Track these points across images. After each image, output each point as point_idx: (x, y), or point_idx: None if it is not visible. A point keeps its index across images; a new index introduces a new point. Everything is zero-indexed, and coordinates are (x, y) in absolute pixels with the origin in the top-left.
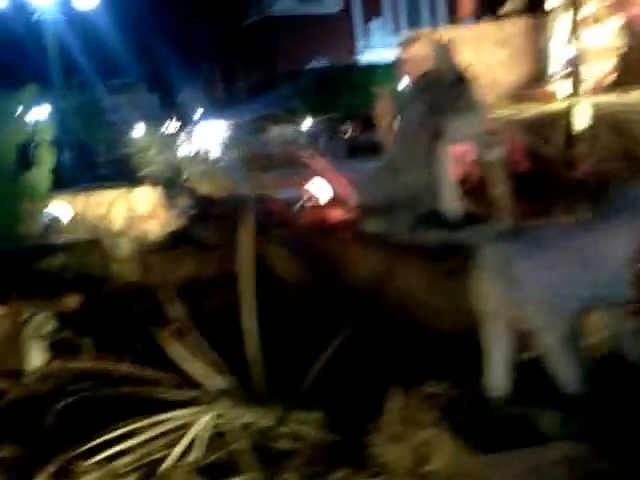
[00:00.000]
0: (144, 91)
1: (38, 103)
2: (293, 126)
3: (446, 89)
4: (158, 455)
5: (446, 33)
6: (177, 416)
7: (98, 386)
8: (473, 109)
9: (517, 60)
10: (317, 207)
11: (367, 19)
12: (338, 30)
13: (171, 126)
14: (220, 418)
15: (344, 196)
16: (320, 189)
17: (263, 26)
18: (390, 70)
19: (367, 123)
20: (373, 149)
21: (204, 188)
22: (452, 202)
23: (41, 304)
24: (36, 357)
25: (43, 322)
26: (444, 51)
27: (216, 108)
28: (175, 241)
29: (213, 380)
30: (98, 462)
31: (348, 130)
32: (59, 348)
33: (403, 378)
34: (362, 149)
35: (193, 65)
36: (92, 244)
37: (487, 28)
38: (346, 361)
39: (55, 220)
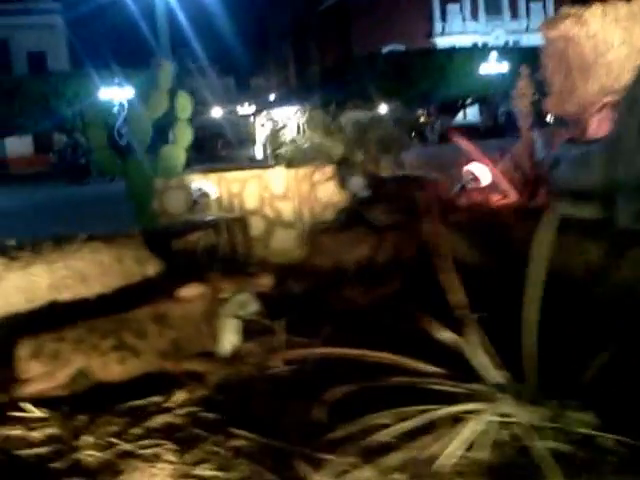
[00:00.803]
0: (220, 74)
1: (121, 84)
2: (368, 111)
3: None
4: (432, 452)
5: (594, 10)
6: (453, 411)
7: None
8: None
9: None
10: (479, 190)
11: (444, 3)
12: (414, 14)
13: (246, 109)
14: (503, 416)
15: (497, 178)
16: (480, 171)
17: (338, 9)
18: (469, 55)
19: (445, 108)
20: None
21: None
22: None
23: (239, 283)
24: (231, 339)
25: (245, 302)
26: None
27: (290, 92)
28: (347, 222)
29: (491, 373)
30: (365, 457)
31: (424, 115)
32: (250, 330)
33: None
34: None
35: (268, 49)
36: (238, 222)
37: None
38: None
39: (204, 196)
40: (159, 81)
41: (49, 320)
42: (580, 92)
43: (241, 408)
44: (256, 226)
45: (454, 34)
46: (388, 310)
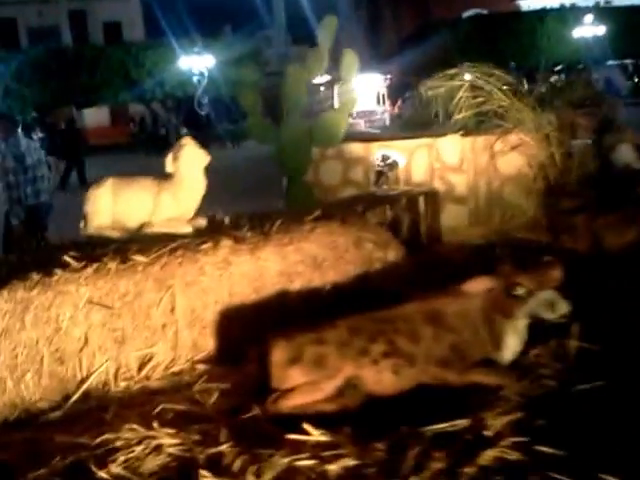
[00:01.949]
0: (295, 42)
1: (201, 53)
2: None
3: None
4: None
5: None
6: None
7: None
8: None
9: None
10: None
11: None
12: None
13: (321, 78)
14: None
15: None
16: None
17: None
18: (562, 17)
19: (531, 74)
20: None
21: None
22: None
23: (536, 277)
24: (515, 343)
25: (553, 302)
26: None
27: (369, 59)
28: (608, 199)
29: None
30: None
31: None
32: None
33: None
34: None
35: (342, 15)
36: (427, 196)
37: None
38: None
39: (392, 167)
40: (319, 38)
41: (282, 314)
42: None
43: (581, 441)
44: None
45: None
46: None
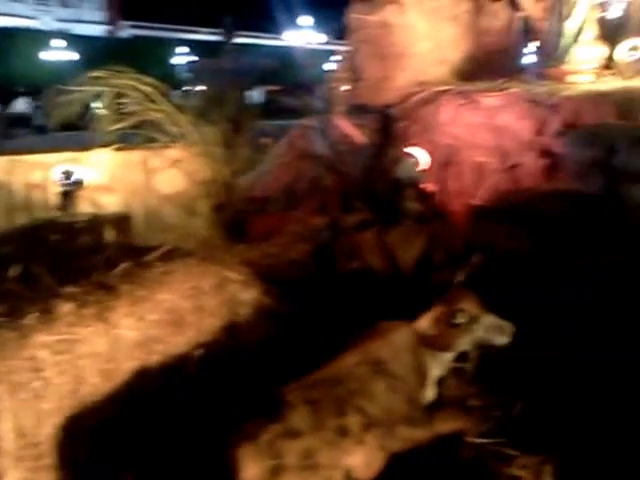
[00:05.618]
0: None
1: None
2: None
3: None
4: None
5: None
6: None
7: None
8: None
9: None
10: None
11: None
12: None
13: None
14: None
15: None
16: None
17: None
18: (30, 38)
19: None
20: None
21: None
22: None
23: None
24: (435, 379)
25: (500, 328)
26: None
27: None
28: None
29: None
30: None
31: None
32: None
33: None
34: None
35: None
36: (117, 222)
37: None
38: None
39: (77, 184)
40: None
41: (143, 407)
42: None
43: None
44: None
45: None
46: None
